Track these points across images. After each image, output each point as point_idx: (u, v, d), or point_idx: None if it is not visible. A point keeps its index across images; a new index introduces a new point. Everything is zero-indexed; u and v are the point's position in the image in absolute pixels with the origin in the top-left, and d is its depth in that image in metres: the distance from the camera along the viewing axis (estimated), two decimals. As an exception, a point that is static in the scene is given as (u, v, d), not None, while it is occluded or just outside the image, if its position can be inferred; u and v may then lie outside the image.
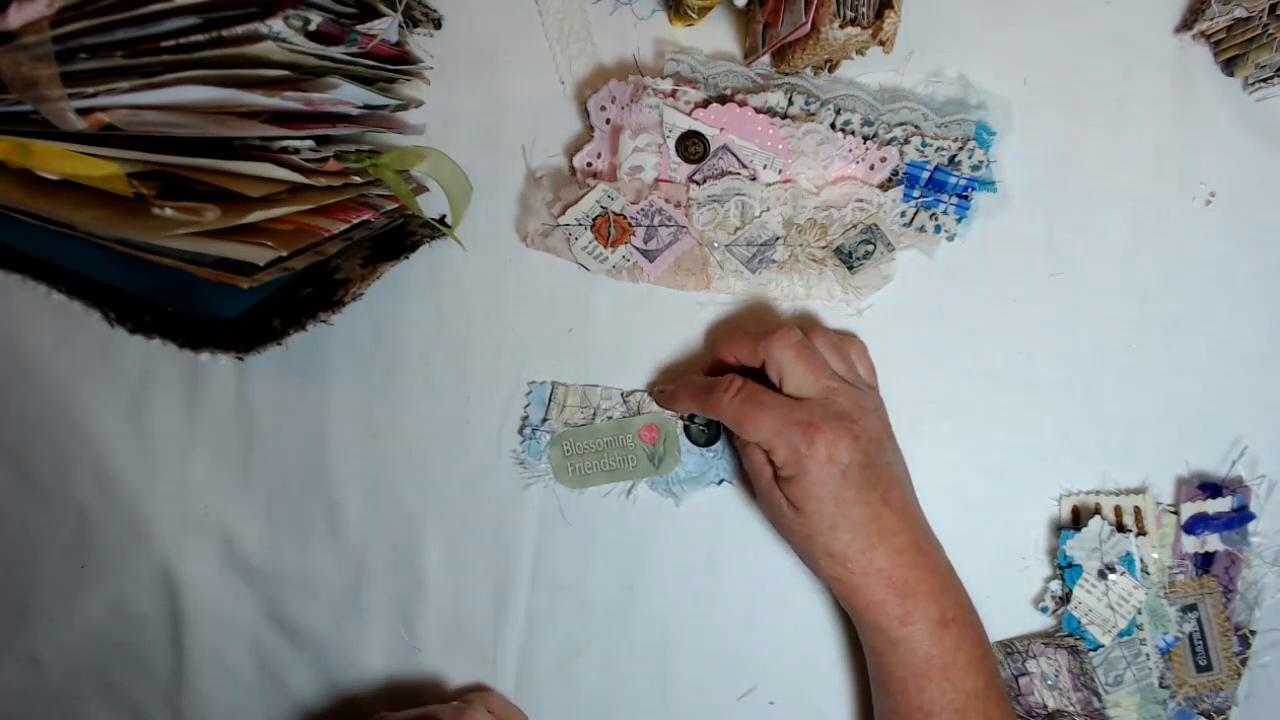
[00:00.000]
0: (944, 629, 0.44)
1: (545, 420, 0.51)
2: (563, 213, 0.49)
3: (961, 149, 0.48)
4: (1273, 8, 0.44)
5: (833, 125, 0.48)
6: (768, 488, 0.45)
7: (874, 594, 0.44)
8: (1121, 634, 0.49)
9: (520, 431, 0.51)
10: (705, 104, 0.48)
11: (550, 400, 0.51)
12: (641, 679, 0.52)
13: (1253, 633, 0.50)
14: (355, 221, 0.43)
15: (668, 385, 0.50)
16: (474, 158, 0.49)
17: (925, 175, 0.48)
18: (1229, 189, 0.50)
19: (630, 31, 0.50)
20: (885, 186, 0.49)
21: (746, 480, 0.50)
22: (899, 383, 0.50)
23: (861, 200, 0.49)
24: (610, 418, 0.51)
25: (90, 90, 0.31)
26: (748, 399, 0.44)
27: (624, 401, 0.51)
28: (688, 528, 0.51)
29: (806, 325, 0.49)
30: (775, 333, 0.45)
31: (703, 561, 0.51)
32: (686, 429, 0.50)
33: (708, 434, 0.50)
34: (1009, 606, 0.51)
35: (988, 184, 0.49)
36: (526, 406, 0.51)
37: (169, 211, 0.34)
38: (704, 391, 0.47)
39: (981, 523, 0.51)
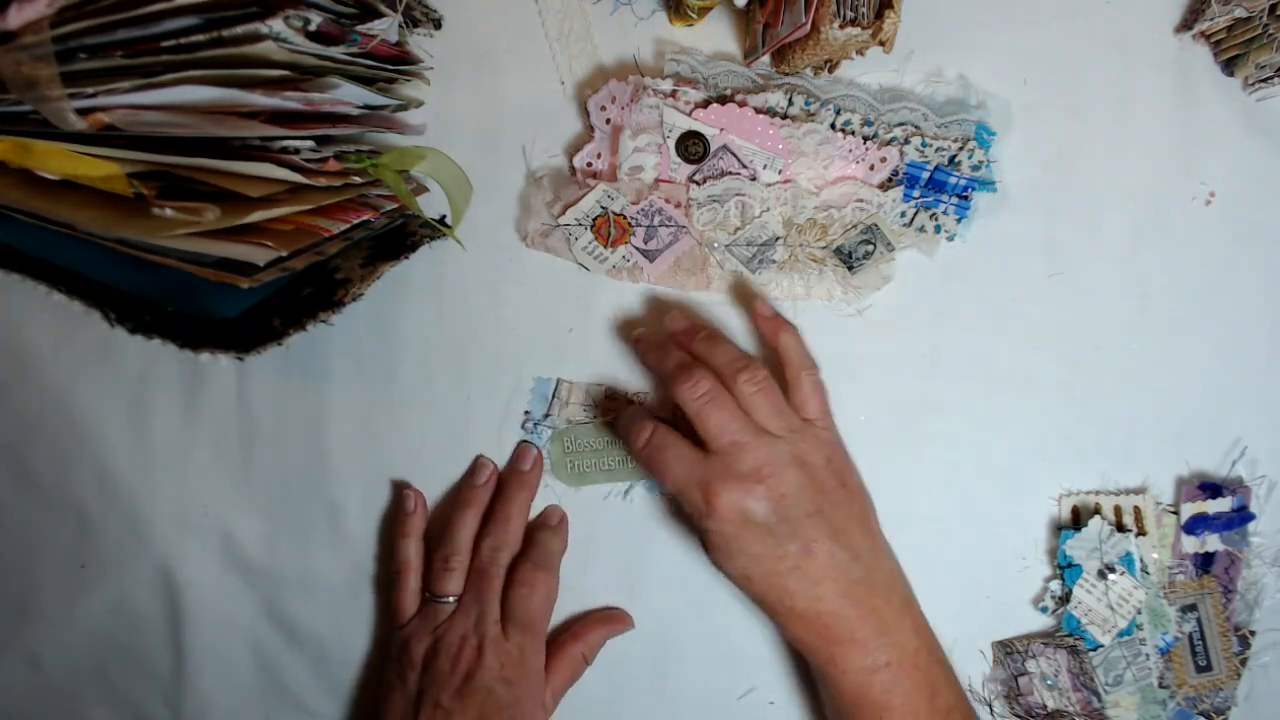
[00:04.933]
0: (873, 675, 0.44)
1: (548, 415, 0.51)
2: (563, 213, 0.49)
3: (961, 149, 0.48)
4: (1273, 8, 0.44)
5: (833, 125, 0.48)
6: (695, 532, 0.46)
7: (798, 634, 0.45)
8: (1121, 634, 0.49)
9: (522, 426, 0.51)
10: (705, 104, 0.48)
11: (554, 396, 0.51)
12: (641, 679, 0.52)
13: (1252, 633, 0.50)
14: (355, 221, 0.43)
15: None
16: (474, 158, 0.49)
17: (925, 175, 0.48)
18: (1229, 189, 0.50)
19: (630, 31, 0.50)
20: (885, 186, 0.49)
21: None
22: (899, 383, 0.50)
23: (861, 200, 0.49)
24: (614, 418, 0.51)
25: (90, 90, 0.31)
26: (655, 451, 0.45)
27: (629, 404, 0.51)
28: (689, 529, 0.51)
29: (736, 364, 0.45)
30: (683, 381, 0.45)
31: (703, 561, 0.51)
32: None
33: None
34: (1009, 606, 0.51)
35: (988, 184, 0.49)
36: (530, 400, 0.51)
37: (169, 211, 0.34)
38: (624, 429, 0.48)
39: (981, 523, 0.51)
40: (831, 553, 0.44)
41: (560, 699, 0.50)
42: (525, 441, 0.51)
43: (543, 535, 0.50)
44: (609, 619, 0.51)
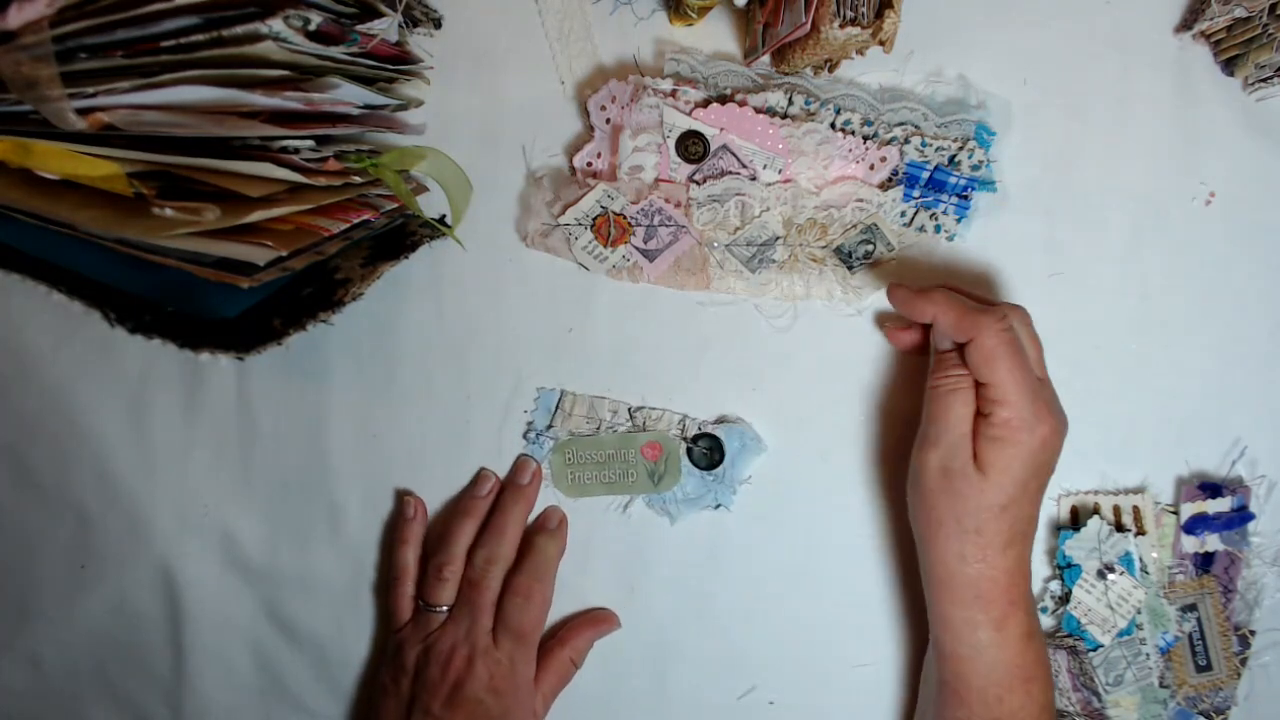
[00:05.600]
0: (1029, 641, 0.43)
1: (550, 427, 0.51)
2: (563, 213, 0.49)
3: (961, 149, 0.48)
4: (1273, 8, 0.44)
5: (833, 125, 0.48)
6: (959, 441, 0.43)
7: (985, 589, 0.43)
8: (1121, 634, 0.49)
9: (524, 436, 0.51)
10: (705, 104, 0.48)
11: (557, 408, 0.51)
12: (641, 679, 0.52)
13: (1252, 633, 0.50)
14: (355, 221, 0.43)
15: (914, 286, 0.46)
16: (474, 158, 0.49)
17: (925, 175, 0.48)
18: (1229, 189, 0.50)
19: (630, 31, 0.50)
20: (885, 186, 0.49)
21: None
22: (899, 382, 0.50)
23: (861, 200, 0.49)
24: (615, 431, 0.51)
25: (90, 90, 0.31)
26: (1013, 343, 0.42)
27: (630, 417, 0.51)
28: (688, 528, 0.51)
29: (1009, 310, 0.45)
30: (987, 314, 0.42)
31: (703, 561, 0.51)
32: (689, 451, 0.50)
33: (710, 458, 0.50)
34: (1009, 606, 0.51)
35: (987, 184, 0.49)
36: (533, 412, 0.51)
37: (169, 211, 0.34)
38: (967, 310, 0.43)
39: (981, 523, 0.51)
40: (1036, 516, 0.44)
41: (550, 704, 0.50)
42: (525, 455, 0.52)
43: (540, 540, 0.50)
44: (595, 621, 0.51)
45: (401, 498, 0.52)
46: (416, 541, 0.51)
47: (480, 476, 0.51)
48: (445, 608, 0.49)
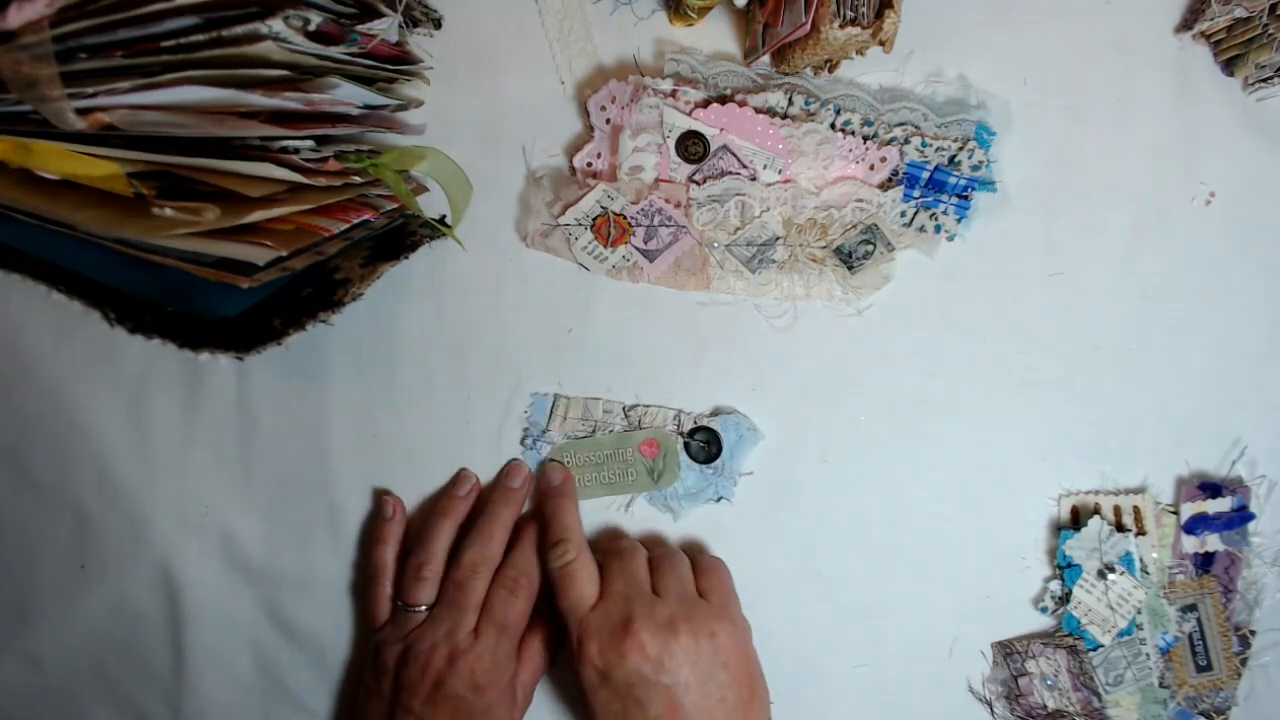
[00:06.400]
0: None
1: (546, 431, 0.51)
2: (563, 213, 0.49)
3: (961, 149, 0.48)
4: (1273, 8, 0.44)
5: (833, 125, 0.48)
6: None
7: None
8: (1121, 634, 0.49)
9: (522, 442, 0.51)
10: (705, 104, 0.48)
11: (552, 412, 0.51)
12: (641, 679, 0.52)
13: (1252, 633, 0.50)
14: (355, 221, 0.43)
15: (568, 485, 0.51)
16: (474, 158, 0.49)
17: (925, 175, 0.48)
18: (1229, 189, 0.50)
19: (630, 31, 0.50)
20: (885, 186, 0.49)
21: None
22: (899, 383, 0.50)
23: (861, 200, 0.49)
24: (611, 431, 0.51)
25: (90, 90, 0.31)
26: (564, 575, 0.46)
27: (625, 416, 0.51)
28: (687, 529, 0.51)
29: (650, 542, 0.51)
30: (553, 545, 0.47)
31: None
32: (686, 445, 0.50)
33: (708, 451, 0.50)
34: (1009, 606, 0.51)
35: (988, 184, 0.49)
36: (529, 417, 0.51)
37: (169, 211, 0.34)
38: (548, 536, 0.49)
39: (981, 523, 0.51)
40: None
41: (531, 694, 0.50)
42: (518, 459, 0.51)
43: (532, 533, 0.50)
44: None
45: (379, 497, 0.51)
46: (395, 541, 0.51)
47: (460, 476, 0.51)
48: (424, 607, 0.48)
